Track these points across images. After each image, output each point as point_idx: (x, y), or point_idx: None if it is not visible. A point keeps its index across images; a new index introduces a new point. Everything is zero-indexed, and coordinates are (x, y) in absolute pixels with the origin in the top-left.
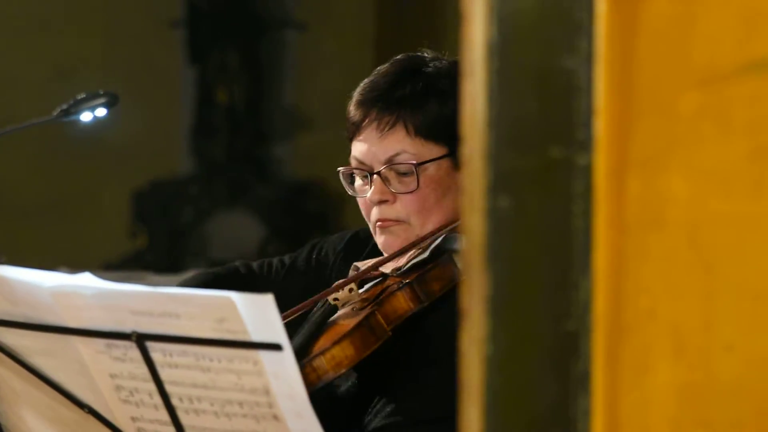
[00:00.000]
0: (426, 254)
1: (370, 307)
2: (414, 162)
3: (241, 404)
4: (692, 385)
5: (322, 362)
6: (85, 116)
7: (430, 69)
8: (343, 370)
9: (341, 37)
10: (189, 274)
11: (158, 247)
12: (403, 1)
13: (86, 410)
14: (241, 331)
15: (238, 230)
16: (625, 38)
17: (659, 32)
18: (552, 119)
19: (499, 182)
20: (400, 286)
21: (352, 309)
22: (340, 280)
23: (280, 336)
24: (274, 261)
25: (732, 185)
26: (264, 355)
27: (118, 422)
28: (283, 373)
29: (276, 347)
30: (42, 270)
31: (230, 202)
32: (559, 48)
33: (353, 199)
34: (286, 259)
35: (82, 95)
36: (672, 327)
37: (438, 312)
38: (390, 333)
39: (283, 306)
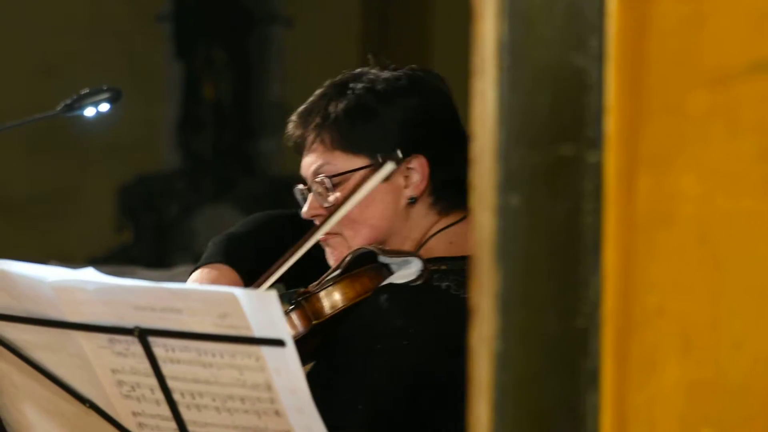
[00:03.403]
0: (338, 271)
1: None
2: (330, 174)
3: (242, 400)
4: (700, 382)
5: None
6: (89, 111)
7: (359, 85)
8: None
9: (327, 33)
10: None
11: (144, 242)
12: None
13: (87, 405)
14: (243, 327)
15: (224, 225)
16: (635, 37)
17: (669, 31)
18: (562, 117)
19: (510, 180)
20: (288, 310)
21: None
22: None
23: (283, 332)
24: (286, 215)
25: (741, 184)
26: (266, 351)
27: (119, 417)
28: (285, 369)
29: (278, 343)
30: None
31: (216, 197)
32: (570, 46)
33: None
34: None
35: (86, 90)
36: (681, 324)
37: (345, 322)
38: None
39: None
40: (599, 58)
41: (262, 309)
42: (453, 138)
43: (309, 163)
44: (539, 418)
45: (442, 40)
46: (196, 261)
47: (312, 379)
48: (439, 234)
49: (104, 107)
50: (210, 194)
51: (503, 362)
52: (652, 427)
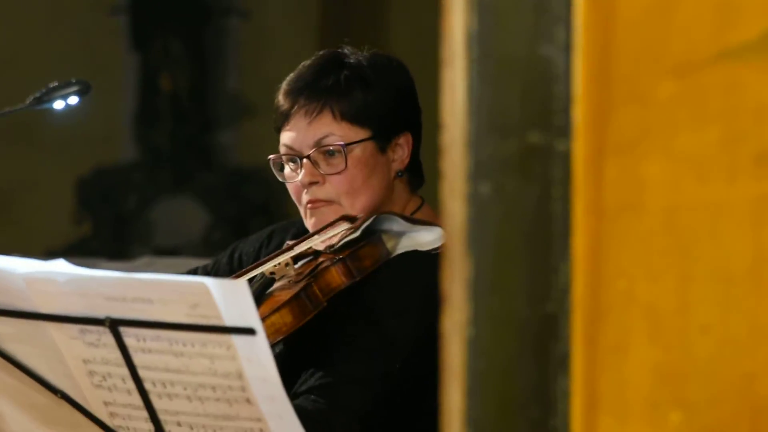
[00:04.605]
0: (358, 233)
1: (306, 279)
2: (341, 143)
3: (214, 388)
4: (668, 365)
5: None
6: (58, 104)
7: (352, 60)
8: (281, 337)
9: (285, 24)
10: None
11: (103, 235)
12: None
13: (59, 395)
14: (214, 316)
15: (182, 217)
16: (602, 27)
17: (636, 21)
18: (531, 106)
19: (480, 168)
20: (334, 261)
21: (289, 282)
22: (274, 252)
23: (254, 320)
24: (198, 269)
25: (707, 171)
26: (237, 340)
27: (91, 407)
28: (256, 358)
29: (249, 331)
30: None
31: (174, 189)
32: (538, 37)
33: None
34: (210, 265)
35: (54, 83)
36: (649, 309)
37: (367, 285)
38: (326, 304)
39: None
40: (567, 48)
41: (233, 298)
42: (420, 120)
43: (312, 132)
44: (511, 402)
45: (401, 32)
46: (154, 253)
47: (336, 332)
48: (423, 208)
49: (73, 100)
50: (168, 186)
51: (475, 348)
52: (622, 410)
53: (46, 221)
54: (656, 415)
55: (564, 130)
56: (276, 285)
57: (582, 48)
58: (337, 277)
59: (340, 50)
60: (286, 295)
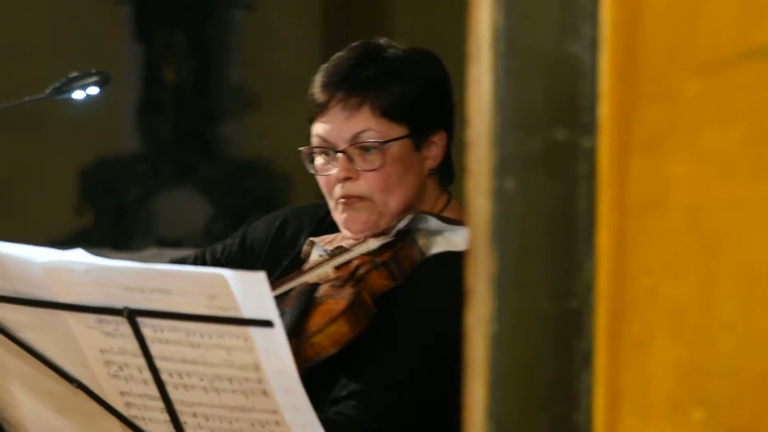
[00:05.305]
0: (394, 235)
1: (351, 284)
2: (380, 140)
3: (230, 380)
4: (691, 362)
5: (320, 339)
6: (78, 94)
7: (389, 54)
8: (341, 347)
9: (289, 16)
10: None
11: (104, 225)
12: None
13: (75, 385)
14: (232, 308)
15: (184, 209)
16: (629, 24)
17: (662, 19)
18: (557, 103)
19: (505, 164)
20: (377, 265)
21: (332, 286)
22: (313, 261)
23: (272, 313)
24: (206, 255)
25: (731, 169)
26: (254, 332)
27: (106, 397)
28: (273, 350)
29: (267, 324)
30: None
31: (177, 181)
32: (564, 33)
33: (300, 178)
34: (218, 250)
35: (74, 74)
36: (672, 306)
37: (403, 288)
38: (376, 310)
39: None
40: (593, 45)
41: (251, 290)
42: (453, 117)
43: (350, 126)
44: (534, 397)
45: (404, 25)
46: (156, 244)
47: (374, 336)
48: (451, 204)
49: (93, 90)
50: (170, 178)
51: (498, 343)
52: (645, 407)
53: (48, 211)
54: (678, 412)
55: (589, 127)
56: (321, 291)
57: (608, 45)
58: (380, 281)
59: (375, 42)
60: (338, 305)
